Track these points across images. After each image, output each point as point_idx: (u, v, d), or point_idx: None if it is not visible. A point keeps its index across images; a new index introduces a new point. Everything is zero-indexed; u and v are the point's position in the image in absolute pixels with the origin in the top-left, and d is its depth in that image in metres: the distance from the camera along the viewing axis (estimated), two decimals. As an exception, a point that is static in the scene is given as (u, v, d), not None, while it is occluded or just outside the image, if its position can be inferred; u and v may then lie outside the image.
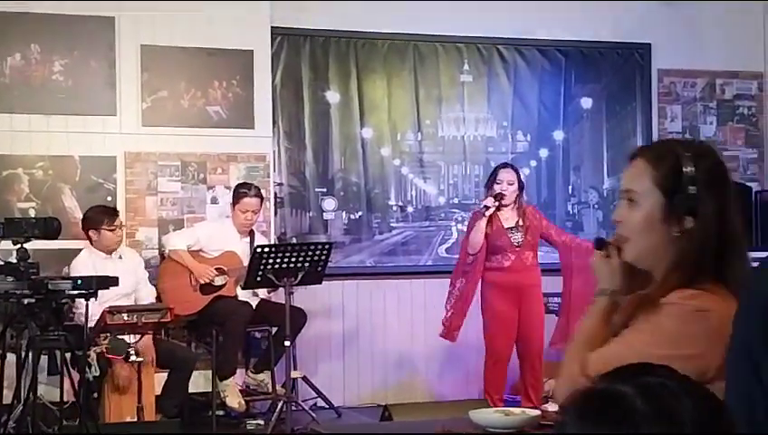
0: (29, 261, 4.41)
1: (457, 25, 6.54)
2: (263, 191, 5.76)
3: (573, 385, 1.38)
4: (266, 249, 5.27)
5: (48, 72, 5.73)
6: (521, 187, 5.58)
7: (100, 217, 5.30)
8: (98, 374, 4.85)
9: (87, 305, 4.49)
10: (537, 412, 3.33)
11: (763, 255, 5.86)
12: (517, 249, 5.47)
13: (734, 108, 7.13)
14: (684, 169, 1.64)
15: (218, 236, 5.63)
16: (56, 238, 4.65)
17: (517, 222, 5.52)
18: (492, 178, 5.58)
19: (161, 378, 5.24)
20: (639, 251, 1.72)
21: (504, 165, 5.69)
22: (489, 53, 6.69)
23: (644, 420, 0.96)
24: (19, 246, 4.37)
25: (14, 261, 4.31)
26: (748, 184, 6.85)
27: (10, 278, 4.27)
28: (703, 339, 1.59)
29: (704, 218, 1.64)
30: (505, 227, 5.50)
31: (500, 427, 3.14)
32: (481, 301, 5.53)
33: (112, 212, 5.38)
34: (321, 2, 6.31)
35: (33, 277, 4.39)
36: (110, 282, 4.55)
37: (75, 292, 4.40)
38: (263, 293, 5.70)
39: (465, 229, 6.59)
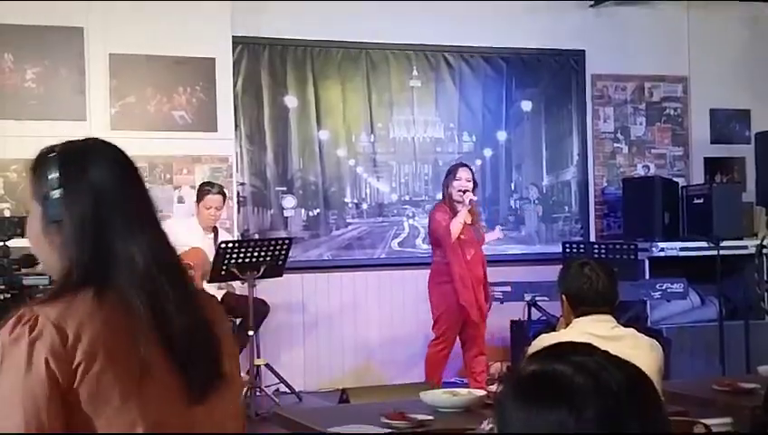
0: (11, 258, 4.68)
1: (406, 34, 6.77)
2: (226, 191, 5.93)
3: None
4: (230, 245, 5.47)
5: (21, 79, 5.86)
6: (474, 185, 5.71)
7: None
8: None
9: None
10: (482, 392, 3.38)
11: (690, 244, 6.36)
12: (477, 243, 5.65)
13: (661, 109, 7.49)
14: (49, 175, 1.44)
15: (184, 233, 5.88)
16: (34, 237, 4.92)
17: (473, 218, 5.70)
18: (450, 176, 5.65)
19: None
20: (45, 267, 1.52)
21: (462, 164, 5.82)
22: (436, 60, 6.92)
23: (586, 395, 0.99)
24: (2, 244, 4.61)
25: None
26: (675, 179, 7.22)
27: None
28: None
29: (72, 224, 1.43)
30: (466, 222, 5.59)
31: (448, 406, 3.22)
32: (436, 293, 5.60)
33: None
34: (279, 12, 6.50)
35: (14, 273, 4.65)
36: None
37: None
38: (237, 285, 5.89)
39: (417, 224, 6.81)
